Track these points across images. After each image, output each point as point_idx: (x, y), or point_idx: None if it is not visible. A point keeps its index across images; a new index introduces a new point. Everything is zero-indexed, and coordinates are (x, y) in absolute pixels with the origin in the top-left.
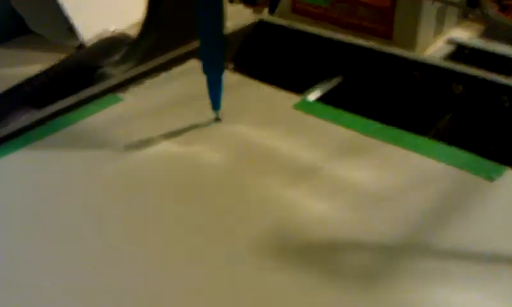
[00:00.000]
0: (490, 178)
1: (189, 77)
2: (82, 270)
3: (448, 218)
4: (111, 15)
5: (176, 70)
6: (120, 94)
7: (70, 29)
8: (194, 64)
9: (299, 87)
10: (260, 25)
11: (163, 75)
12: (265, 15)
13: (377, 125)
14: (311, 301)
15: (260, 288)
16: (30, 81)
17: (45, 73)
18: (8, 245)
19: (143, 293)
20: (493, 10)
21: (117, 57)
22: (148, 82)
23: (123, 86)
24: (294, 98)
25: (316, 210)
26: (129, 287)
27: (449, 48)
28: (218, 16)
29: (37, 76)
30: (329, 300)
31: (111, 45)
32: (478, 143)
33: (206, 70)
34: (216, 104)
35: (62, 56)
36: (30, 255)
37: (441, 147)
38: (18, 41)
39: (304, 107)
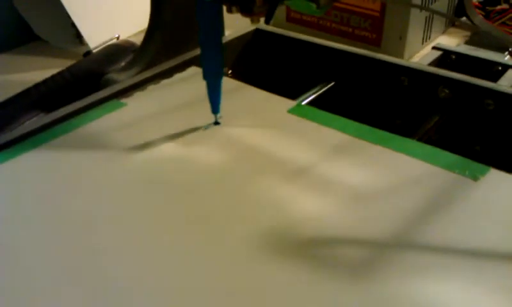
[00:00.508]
0: (475, 178)
1: (189, 82)
2: (91, 265)
3: (435, 215)
4: (118, 22)
5: (178, 76)
6: (124, 100)
7: (76, 36)
8: (195, 71)
9: (293, 92)
10: (256, 34)
11: (165, 81)
12: (262, 24)
13: (368, 128)
14: (305, 294)
15: (255, 282)
16: (37, 86)
17: (52, 78)
18: (16, 242)
19: (144, 285)
20: (479, 18)
21: (122, 63)
22: (151, 88)
23: (127, 91)
24: (288, 103)
25: (310, 208)
26: (131, 279)
27: (436, 55)
28: (218, 26)
29: (44, 81)
30: (323, 292)
31: (117, 52)
32: (463, 144)
33: (206, 75)
34: (215, 108)
35: (69, 62)
36: (38, 251)
37: (429, 149)
38: (25, 48)
39: (298, 111)
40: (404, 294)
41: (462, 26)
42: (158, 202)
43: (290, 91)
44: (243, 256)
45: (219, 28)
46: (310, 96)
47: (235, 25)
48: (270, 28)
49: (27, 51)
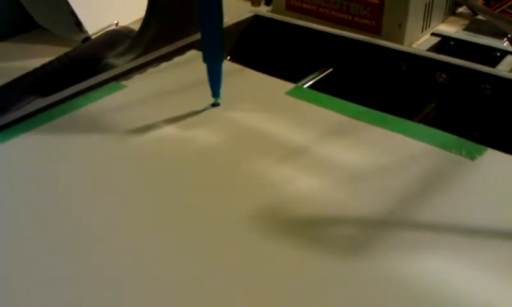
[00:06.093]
0: (472, 157)
1: (189, 66)
2: (91, 243)
3: (432, 194)
4: (117, 9)
5: (178, 59)
6: (124, 82)
7: (76, 25)
8: (195, 54)
9: (291, 78)
10: (254, 20)
11: (165, 64)
12: (260, 10)
13: (365, 109)
14: (300, 271)
15: (252, 259)
16: (35, 71)
17: (50, 63)
18: (14, 223)
19: (141, 259)
20: (479, 4)
21: (120, 49)
22: (151, 71)
23: (126, 75)
24: (286, 85)
25: (306, 186)
26: (129, 254)
27: (434, 41)
28: (218, 9)
29: (42, 66)
30: (318, 269)
31: (115, 37)
32: (461, 129)
33: (206, 59)
34: (215, 92)
35: (69, 50)
36: (35, 234)
37: (426, 129)
38: (26, 36)
39: (297, 93)
40: (401, 272)
41: (461, 14)
42: (156, 182)
43: (288, 78)
44: (240, 233)
45: (219, 11)
46: (307, 82)
47: (234, 12)
48: (269, 14)
49: (28, 39)
